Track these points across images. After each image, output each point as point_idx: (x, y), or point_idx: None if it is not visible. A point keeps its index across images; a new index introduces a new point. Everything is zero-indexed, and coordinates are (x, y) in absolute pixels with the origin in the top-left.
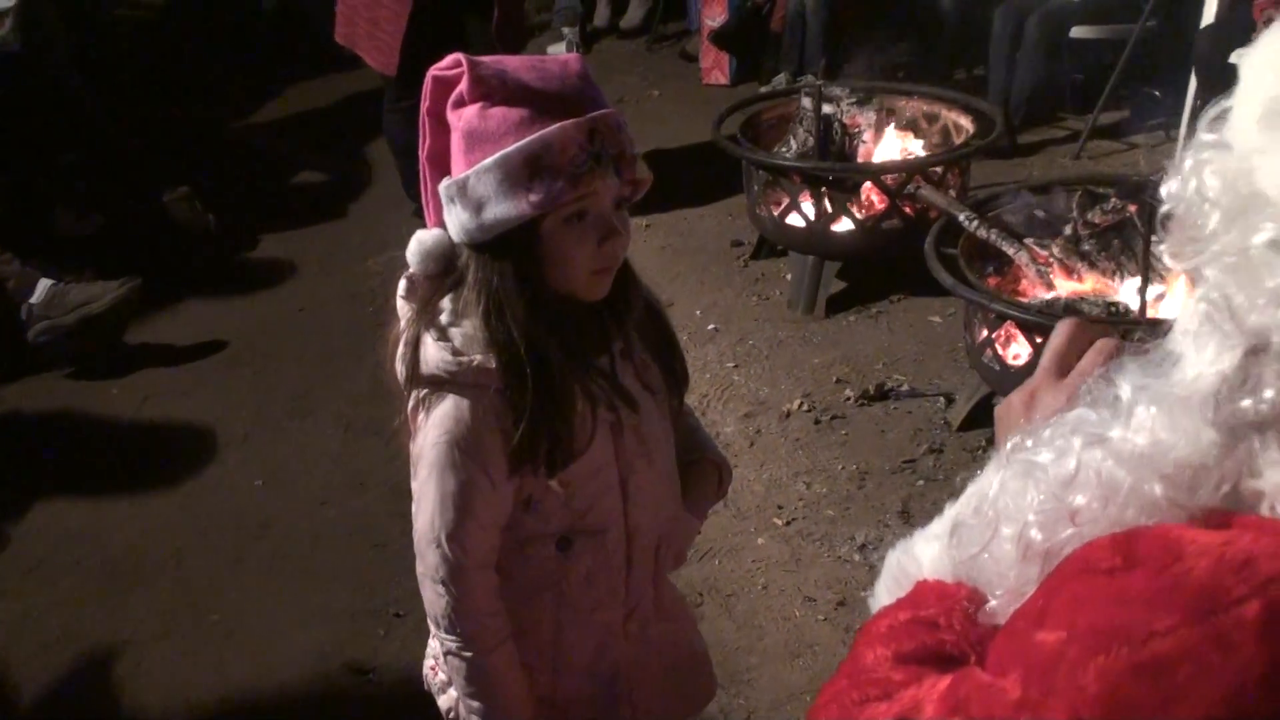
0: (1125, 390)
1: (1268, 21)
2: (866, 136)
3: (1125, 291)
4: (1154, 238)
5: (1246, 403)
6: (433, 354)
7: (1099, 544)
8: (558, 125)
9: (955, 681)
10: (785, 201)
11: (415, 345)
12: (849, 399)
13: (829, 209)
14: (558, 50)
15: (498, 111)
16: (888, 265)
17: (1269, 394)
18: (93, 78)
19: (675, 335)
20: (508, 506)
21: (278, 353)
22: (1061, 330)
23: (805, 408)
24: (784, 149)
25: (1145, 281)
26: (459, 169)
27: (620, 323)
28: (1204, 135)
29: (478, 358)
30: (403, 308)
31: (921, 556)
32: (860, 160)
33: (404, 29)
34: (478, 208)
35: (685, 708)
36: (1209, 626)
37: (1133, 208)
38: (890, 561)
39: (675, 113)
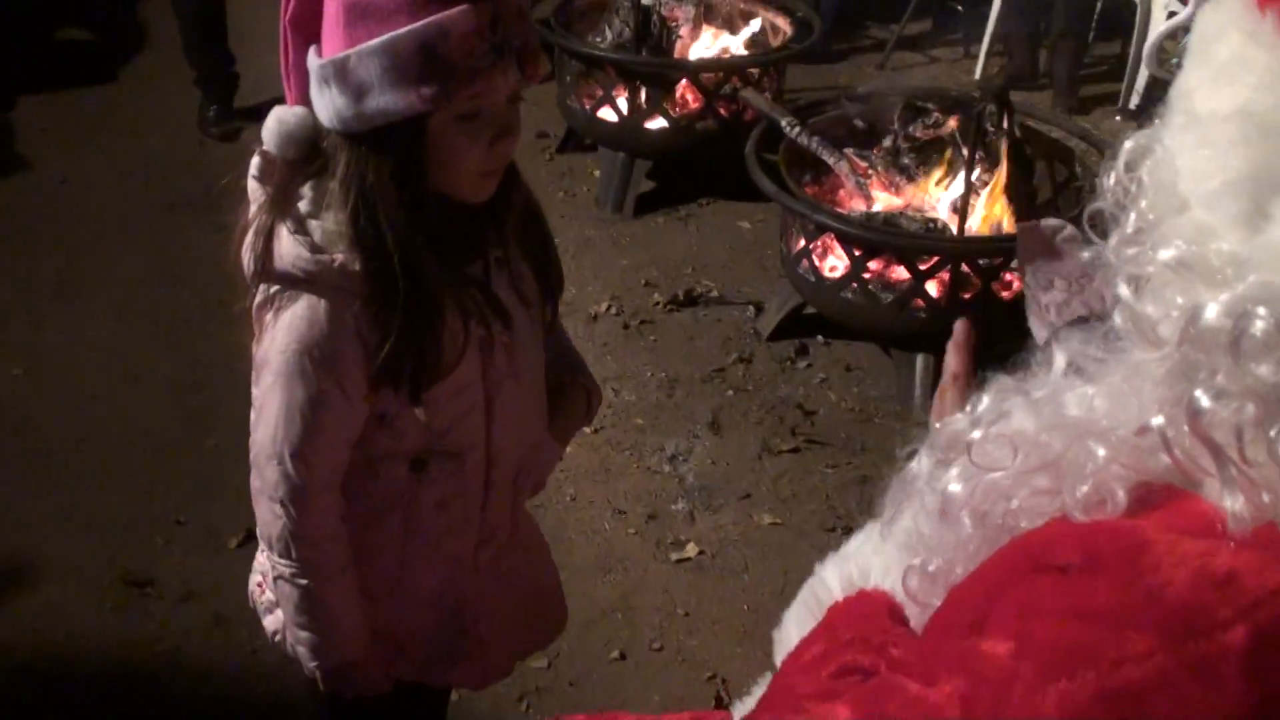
0: (1060, 359)
1: None
2: (684, 32)
3: (942, 207)
4: (978, 156)
5: (1152, 423)
6: (288, 248)
7: (1051, 535)
8: (457, 9)
9: (877, 688)
10: (599, 94)
11: (268, 235)
12: (658, 304)
13: (643, 105)
14: None
15: None
16: (699, 167)
17: (1160, 419)
18: None
19: (553, 241)
20: (360, 423)
21: (39, 229)
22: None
23: (614, 311)
24: (598, 38)
25: (966, 199)
26: (336, 45)
27: (499, 227)
28: (1157, 124)
29: (339, 257)
30: (254, 190)
31: (831, 580)
32: (676, 56)
33: None
34: (358, 94)
35: (534, 640)
36: (1188, 653)
37: (953, 123)
38: (802, 594)
39: None
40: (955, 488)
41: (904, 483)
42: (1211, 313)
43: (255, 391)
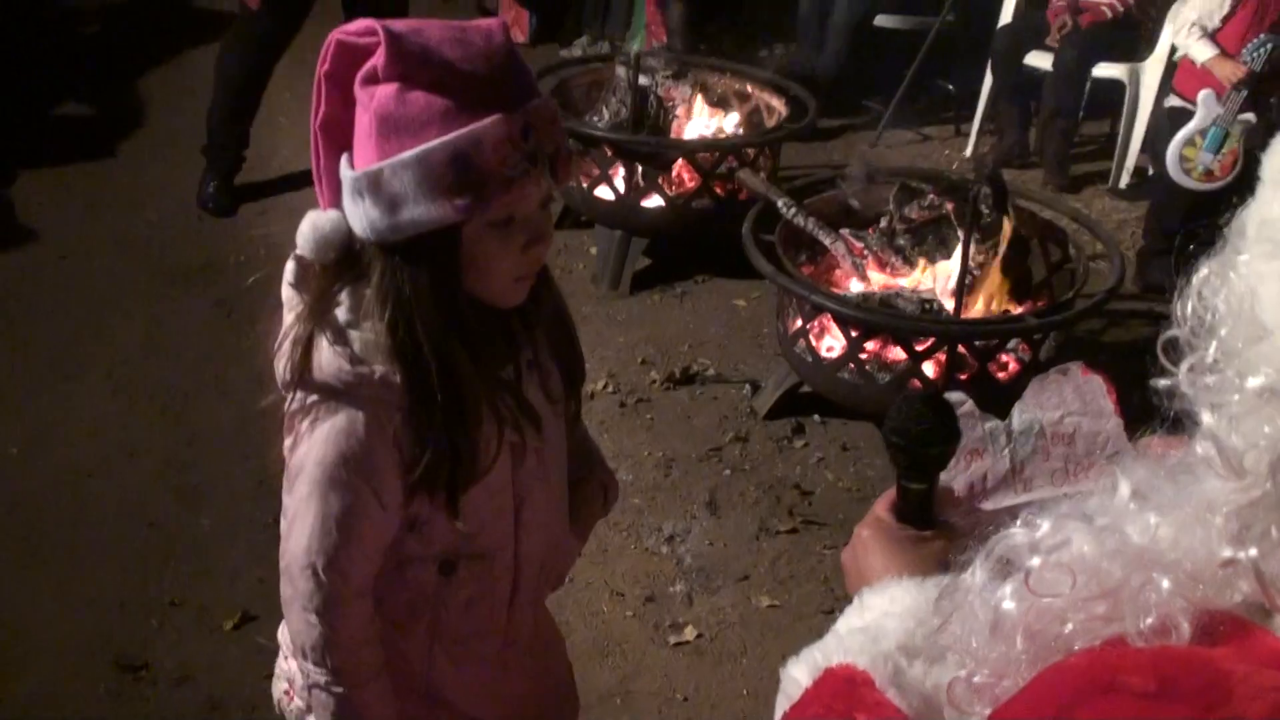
0: (1124, 488)
1: (1061, 26)
2: (680, 112)
3: (938, 288)
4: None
5: (1241, 555)
6: (328, 360)
7: (1126, 658)
8: (489, 119)
9: None
10: (595, 173)
11: (307, 345)
12: (654, 382)
13: (640, 183)
14: None
15: (419, 96)
16: (695, 244)
17: (1253, 551)
18: None
19: (578, 340)
20: (394, 530)
21: (38, 304)
22: None
23: (610, 389)
24: (595, 118)
25: (962, 281)
26: (369, 158)
27: (530, 329)
28: (1231, 244)
29: (379, 369)
30: (290, 297)
31: (799, 675)
32: (672, 135)
33: None
34: (391, 206)
35: None
36: None
37: (949, 205)
38: (778, 700)
39: None
40: (1009, 605)
41: (954, 592)
42: None
43: (287, 500)
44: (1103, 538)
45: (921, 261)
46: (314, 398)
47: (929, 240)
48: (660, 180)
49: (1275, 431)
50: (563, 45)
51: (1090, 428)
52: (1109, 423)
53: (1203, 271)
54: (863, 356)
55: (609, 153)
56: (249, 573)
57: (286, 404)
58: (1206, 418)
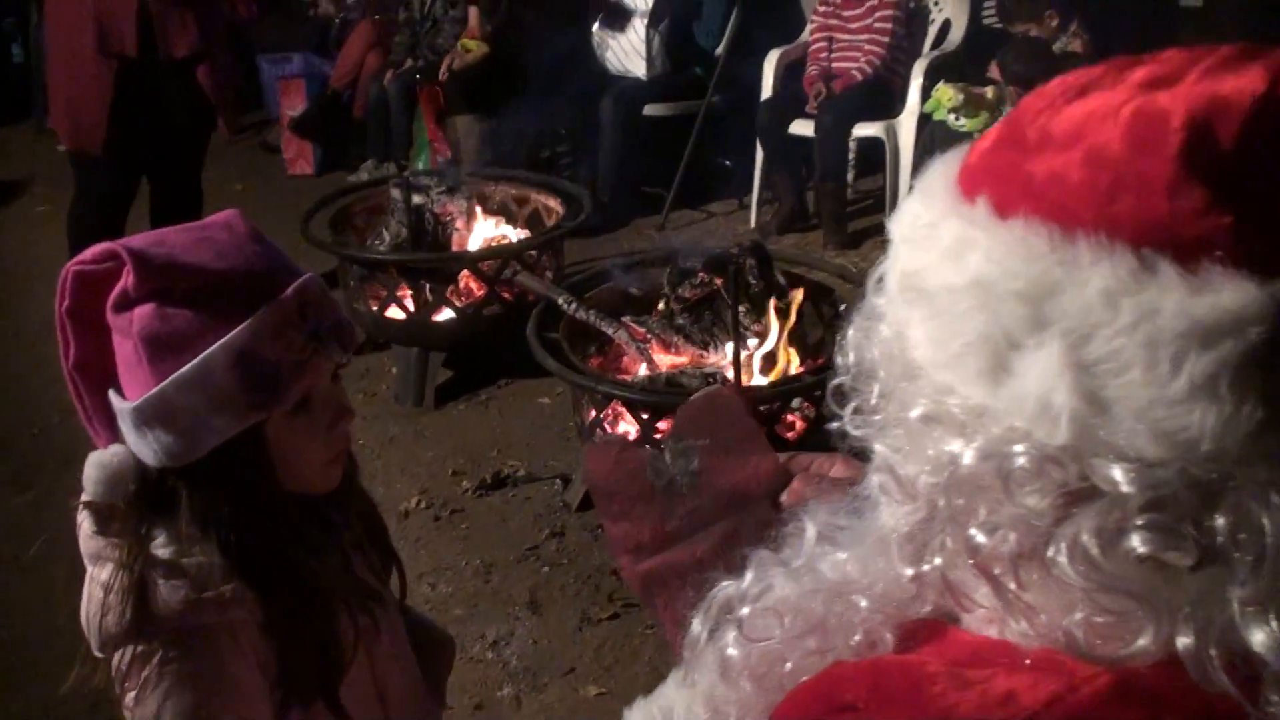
0: (811, 530)
1: (817, 94)
2: (459, 224)
3: (721, 361)
4: (742, 312)
5: (926, 568)
6: (168, 598)
7: (837, 675)
8: (263, 309)
9: None
10: (384, 294)
11: (139, 590)
12: (467, 491)
13: (429, 299)
14: None
15: (181, 308)
16: (492, 351)
17: (938, 560)
18: None
19: (375, 505)
20: None
21: None
22: None
23: (423, 505)
24: (377, 242)
25: (737, 350)
26: (143, 384)
27: (342, 510)
28: (871, 299)
29: (226, 589)
30: (97, 549)
31: None
32: (455, 249)
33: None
34: (183, 427)
35: None
36: None
37: (719, 281)
38: None
39: (263, 206)
40: (732, 652)
41: (691, 643)
42: (969, 458)
43: None
44: (801, 578)
45: (702, 337)
46: (155, 643)
47: (706, 316)
48: (448, 293)
49: (937, 454)
50: (350, 171)
51: (738, 448)
52: (755, 438)
53: (853, 326)
54: (657, 437)
55: (394, 273)
56: None
57: (117, 660)
58: (880, 449)
